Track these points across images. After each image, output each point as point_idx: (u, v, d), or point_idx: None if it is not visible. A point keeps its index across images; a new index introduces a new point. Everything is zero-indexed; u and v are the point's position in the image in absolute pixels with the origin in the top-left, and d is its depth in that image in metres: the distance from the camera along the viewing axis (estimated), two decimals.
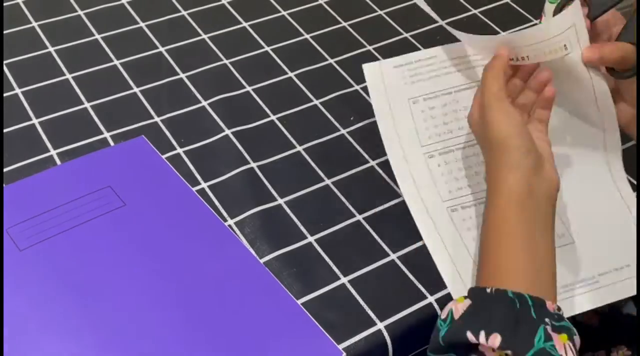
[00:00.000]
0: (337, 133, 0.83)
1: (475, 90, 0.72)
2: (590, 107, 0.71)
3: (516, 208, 0.62)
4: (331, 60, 0.92)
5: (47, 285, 0.66)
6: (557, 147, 0.68)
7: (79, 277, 0.67)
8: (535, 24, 0.98)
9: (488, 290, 0.59)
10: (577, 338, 0.57)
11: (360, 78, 0.89)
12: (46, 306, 0.65)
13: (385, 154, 0.78)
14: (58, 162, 0.78)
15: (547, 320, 0.56)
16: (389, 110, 0.77)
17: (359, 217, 0.74)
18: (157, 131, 0.82)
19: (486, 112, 0.65)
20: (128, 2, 0.99)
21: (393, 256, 0.71)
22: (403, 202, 0.74)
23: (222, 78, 0.89)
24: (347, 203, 0.75)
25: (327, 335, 0.64)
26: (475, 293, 0.59)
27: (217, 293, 0.66)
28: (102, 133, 0.81)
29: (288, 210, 0.75)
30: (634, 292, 0.68)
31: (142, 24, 0.96)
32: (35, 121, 0.82)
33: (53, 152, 0.79)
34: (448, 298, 0.68)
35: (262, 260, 0.70)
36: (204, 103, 0.86)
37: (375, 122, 0.84)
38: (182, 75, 0.89)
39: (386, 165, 0.79)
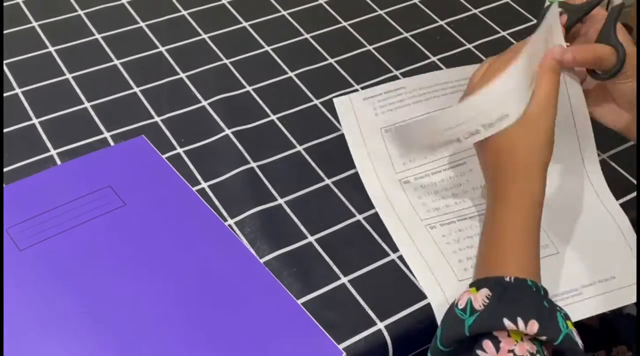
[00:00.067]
0: (337, 133, 0.83)
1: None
2: (566, 118, 0.71)
3: (532, 206, 0.63)
4: (331, 60, 0.92)
5: (47, 285, 0.66)
6: None
7: (79, 277, 0.67)
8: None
9: (507, 279, 0.59)
10: None
11: (360, 78, 0.90)
12: (46, 306, 0.65)
13: None
14: (58, 162, 0.78)
15: (557, 308, 0.58)
16: (362, 141, 0.79)
17: (359, 217, 0.74)
18: (157, 131, 0.82)
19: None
20: (128, 2, 0.99)
21: (393, 256, 0.71)
22: None
23: (222, 78, 0.89)
24: (347, 203, 0.75)
25: (327, 334, 0.64)
26: (493, 283, 0.60)
27: (217, 293, 0.66)
28: (102, 133, 0.81)
29: (288, 210, 0.75)
30: (619, 305, 0.67)
31: (142, 24, 0.96)
32: (35, 121, 0.82)
33: (53, 152, 0.79)
34: None
35: (262, 260, 0.70)
36: (204, 103, 0.86)
37: None
38: (182, 75, 0.89)
39: None
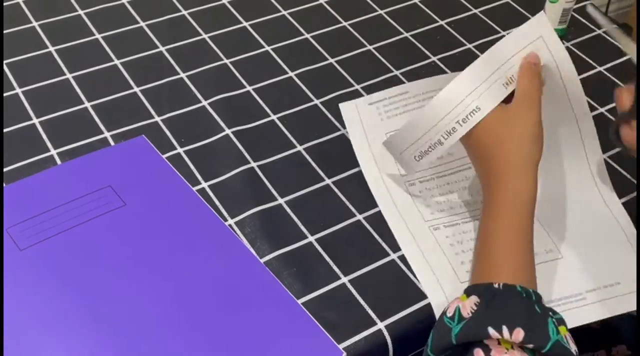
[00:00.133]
0: (337, 133, 0.83)
1: None
2: (569, 123, 0.72)
3: (524, 205, 0.63)
4: (331, 60, 0.92)
5: (47, 284, 0.66)
6: (543, 163, 0.68)
7: (79, 277, 0.67)
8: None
9: (496, 285, 0.59)
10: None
11: (360, 78, 0.90)
12: (46, 306, 0.65)
13: None
14: (58, 161, 0.78)
15: (550, 313, 0.58)
16: (368, 145, 0.79)
17: (359, 217, 0.74)
18: (158, 131, 0.82)
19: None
20: (128, 2, 0.99)
21: (393, 256, 0.71)
22: None
23: (223, 78, 0.89)
24: (347, 203, 0.75)
25: (328, 334, 0.64)
26: (482, 289, 0.59)
27: (217, 293, 0.66)
28: (102, 133, 0.81)
29: (288, 210, 0.75)
30: (623, 310, 0.66)
31: (142, 24, 0.96)
32: (35, 121, 0.82)
33: (53, 152, 0.79)
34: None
35: (262, 260, 0.70)
36: (204, 103, 0.86)
37: None
38: (183, 75, 0.89)
39: None
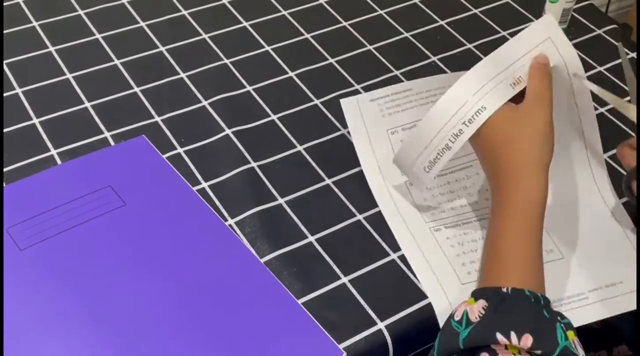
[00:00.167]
0: (337, 133, 0.83)
1: None
2: (573, 124, 0.72)
3: (534, 207, 0.63)
4: (331, 60, 0.92)
5: (47, 284, 0.66)
6: None
7: (79, 277, 0.67)
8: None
9: (504, 289, 0.58)
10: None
11: (360, 78, 0.90)
12: (46, 306, 0.65)
13: None
14: (58, 161, 0.78)
15: (558, 318, 0.57)
16: (368, 142, 0.79)
17: (359, 217, 0.74)
18: (158, 131, 0.82)
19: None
20: (128, 2, 0.99)
21: (393, 256, 0.71)
22: None
23: (223, 78, 0.89)
24: (347, 203, 0.75)
25: (328, 334, 0.64)
26: (490, 293, 0.59)
27: (218, 293, 0.66)
28: (102, 133, 0.81)
29: (288, 210, 0.75)
30: (625, 309, 0.66)
31: (142, 24, 0.96)
32: (35, 121, 0.82)
33: (53, 152, 0.79)
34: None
35: (262, 260, 0.70)
36: (205, 103, 0.86)
37: None
38: (183, 75, 0.89)
39: None
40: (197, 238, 0.71)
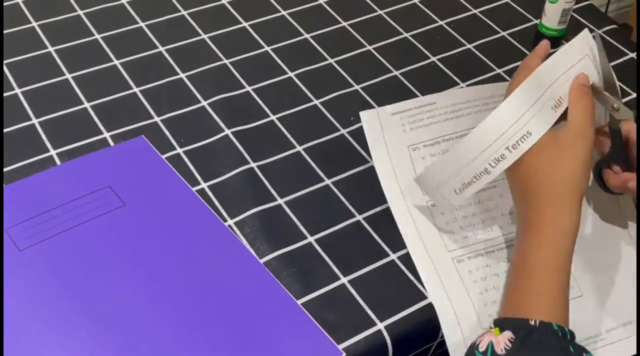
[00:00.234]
0: (337, 133, 0.83)
1: None
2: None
3: (565, 238, 0.61)
4: (331, 60, 0.92)
5: (47, 285, 0.66)
6: None
7: (78, 277, 0.67)
8: (536, 24, 0.98)
9: (532, 322, 0.57)
10: None
11: (360, 78, 0.90)
12: (46, 306, 0.65)
13: None
14: (58, 162, 0.78)
15: (583, 353, 0.57)
16: (388, 157, 0.75)
17: (359, 217, 0.74)
18: (157, 131, 0.82)
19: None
20: (128, 2, 0.99)
21: (393, 256, 0.71)
22: None
23: (222, 78, 0.89)
24: (347, 203, 0.75)
25: (327, 335, 0.64)
26: (517, 325, 0.58)
27: (217, 294, 0.66)
28: (102, 133, 0.81)
29: (288, 210, 0.75)
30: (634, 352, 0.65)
31: (142, 24, 0.96)
32: (35, 121, 0.82)
33: (53, 152, 0.79)
34: None
35: (262, 260, 0.70)
36: (204, 103, 0.86)
37: None
38: (182, 75, 0.89)
39: None
40: (197, 238, 0.71)
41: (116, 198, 0.74)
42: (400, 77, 0.90)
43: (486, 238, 0.71)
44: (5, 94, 0.85)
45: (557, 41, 0.93)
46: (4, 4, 0.97)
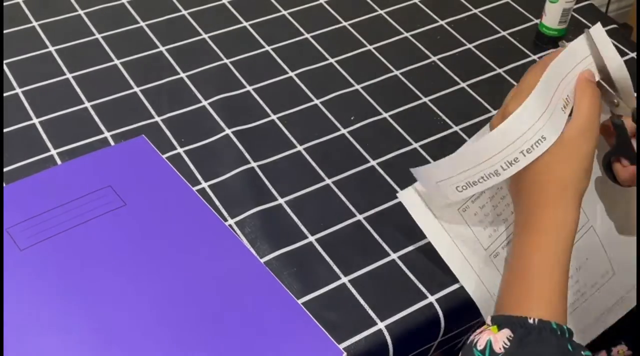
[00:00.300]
0: (337, 133, 0.83)
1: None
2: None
3: (565, 237, 0.61)
4: (331, 60, 0.92)
5: (48, 284, 0.66)
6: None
7: (79, 277, 0.67)
8: (536, 23, 0.98)
9: (530, 321, 0.57)
10: None
11: (360, 78, 0.90)
12: (46, 306, 0.65)
13: (385, 153, 0.78)
14: (58, 161, 0.78)
15: (581, 351, 0.56)
16: (443, 230, 0.70)
17: (359, 217, 0.74)
18: (158, 131, 0.82)
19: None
20: (128, 2, 0.99)
21: (393, 256, 0.71)
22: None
23: (223, 78, 0.89)
24: (347, 203, 0.75)
25: (328, 334, 0.64)
26: (515, 323, 0.57)
27: (218, 293, 0.66)
28: (102, 133, 0.81)
29: (288, 210, 0.75)
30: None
31: (142, 24, 0.96)
32: (35, 121, 0.82)
33: (53, 152, 0.79)
34: (448, 298, 0.68)
35: (262, 260, 0.70)
36: (204, 103, 0.86)
37: (376, 121, 0.84)
38: (183, 75, 0.89)
39: (386, 165, 0.79)
40: (197, 238, 0.71)
41: (117, 197, 0.74)
42: (400, 76, 0.90)
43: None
44: (5, 94, 0.85)
45: (557, 41, 0.93)
46: (4, 3, 0.97)
